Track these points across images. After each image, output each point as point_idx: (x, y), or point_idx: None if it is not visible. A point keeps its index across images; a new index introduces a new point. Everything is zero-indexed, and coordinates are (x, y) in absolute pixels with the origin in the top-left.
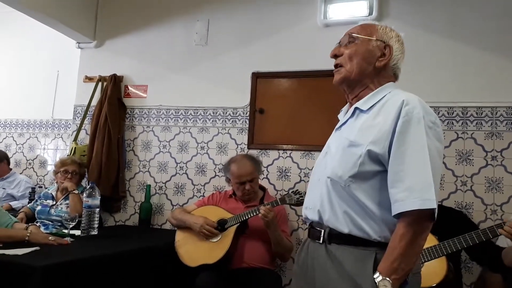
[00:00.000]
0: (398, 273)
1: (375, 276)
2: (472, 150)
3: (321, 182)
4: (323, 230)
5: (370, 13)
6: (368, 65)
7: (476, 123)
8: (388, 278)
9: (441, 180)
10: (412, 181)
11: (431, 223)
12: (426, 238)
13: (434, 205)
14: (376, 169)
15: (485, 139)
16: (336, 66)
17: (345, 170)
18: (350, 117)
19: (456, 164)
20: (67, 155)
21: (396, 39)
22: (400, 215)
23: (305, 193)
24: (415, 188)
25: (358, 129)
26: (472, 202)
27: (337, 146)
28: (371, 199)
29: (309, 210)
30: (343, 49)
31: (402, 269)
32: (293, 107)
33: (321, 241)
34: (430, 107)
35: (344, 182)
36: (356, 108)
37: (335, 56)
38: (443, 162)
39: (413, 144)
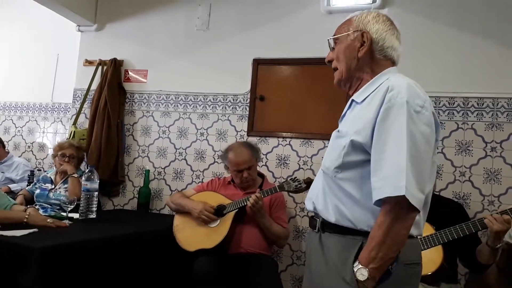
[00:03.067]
0: (375, 262)
1: (354, 265)
2: (472, 140)
3: (319, 174)
4: (318, 220)
5: (374, 1)
6: (351, 59)
7: (477, 113)
8: (366, 267)
9: (440, 170)
10: (388, 169)
11: (409, 211)
12: (407, 227)
13: (403, 191)
14: (361, 158)
15: (485, 130)
16: (334, 70)
17: (332, 161)
18: (347, 109)
19: (455, 155)
20: (66, 139)
21: (374, 20)
22: (380, 204)
23: (304, 180)
24: (390, 176)
25: (350, 121)
26: (470, 193)
27: (331, 138)
28: (357, 189)
29: (308, 201)
30: (331, 54)
31: (381, 258)
32: (294, 95)
33: (316, 230)
34: (431, 97)
35: (331, 173)
36: (352, 100)
37: (329, 62)
38: (442, 152)
39: (393, 131)
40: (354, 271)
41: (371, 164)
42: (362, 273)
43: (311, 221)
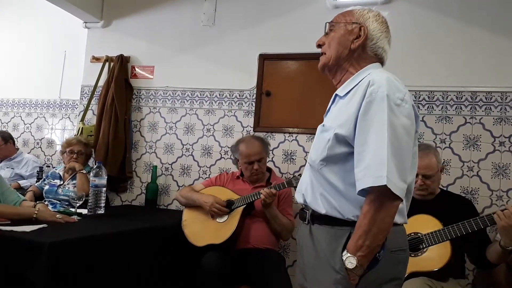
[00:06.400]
0: (363, 250)
1: (343, 254)
2: (480, 135)
3: (307, 168)
4: (308, 212)
5: None
6: (344, 48)
7: (485, 108)
8: (354, 256)
9: (447, 165)
10: (369, 160)
11: (392, 200)
12: (391, 215)
13: (384, 181)
14: (345, 151)
15: (493, 124)
16: (321, 55)
17: (317, 155)
18: (331, 104)
19: (463, 149)
20: (74, 135)
21: (374, 19)
22: (365, 194)
23: None
24: (371, 167)
25: (334, 115)
26: (478, 188)
27: (316, 133)
28: (343, 180)
29: (298, 194)
30: (323, 38)
31: (368, 246)
32: (300, 90)
33: (306, 222)
34: (439, 91)
35: (317, 165)
36: (336, 95)
37: (319, 46)
38: (450, 147)
39: (374, 124)
40: (343, 259)
41: (355, 156)
42: (350, 261)
43: (301, 214)
